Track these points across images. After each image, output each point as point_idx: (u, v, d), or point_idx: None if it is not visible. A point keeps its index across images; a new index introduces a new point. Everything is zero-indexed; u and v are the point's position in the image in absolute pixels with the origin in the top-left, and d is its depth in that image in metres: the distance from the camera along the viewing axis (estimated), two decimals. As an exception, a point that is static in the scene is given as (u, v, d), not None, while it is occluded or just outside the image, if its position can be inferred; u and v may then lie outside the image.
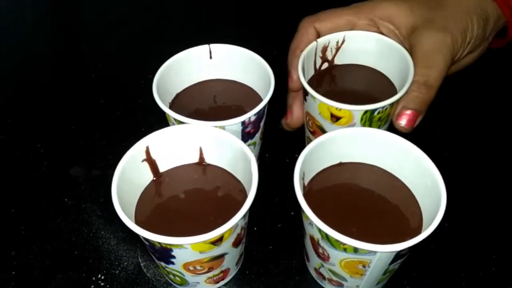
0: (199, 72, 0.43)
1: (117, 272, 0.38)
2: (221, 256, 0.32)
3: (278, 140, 0.46)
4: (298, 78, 0.38)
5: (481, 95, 0.52)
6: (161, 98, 0.37)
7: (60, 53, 0.60)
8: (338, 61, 0.44)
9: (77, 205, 0.42)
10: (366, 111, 0.36)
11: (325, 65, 0.44)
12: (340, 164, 0.36)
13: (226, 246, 0.31)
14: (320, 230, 0.29)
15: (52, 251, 0.39)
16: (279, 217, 0.41)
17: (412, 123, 0.36)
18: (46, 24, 0.64)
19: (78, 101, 0.52)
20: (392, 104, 0.37)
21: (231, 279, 0.37)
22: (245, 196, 0.34)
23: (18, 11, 0.63)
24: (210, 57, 0.42)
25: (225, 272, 0.35)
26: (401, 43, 0.40)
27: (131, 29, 0.60)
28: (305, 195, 0.31)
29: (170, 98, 0.41)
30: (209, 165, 0.37)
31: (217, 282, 0.36)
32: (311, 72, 0.43)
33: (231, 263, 0.35)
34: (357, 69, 0.43)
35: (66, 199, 0.42)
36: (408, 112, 0.36)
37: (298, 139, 0.45)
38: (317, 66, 0.43)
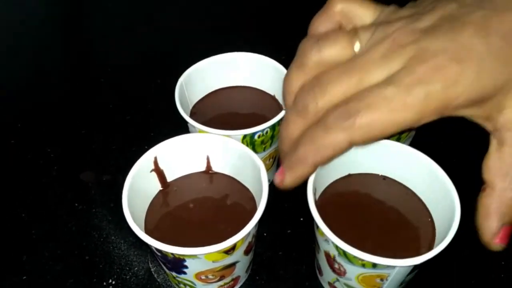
0: (220, 80, 0.43)
1: (127, 277, 0.38)
2: (232, 265, 0.32)
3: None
4: None
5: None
6: (182, 106, 0.37)
7: (69, 58, 0.60)
8: None
9: (87, 210, 0.42)
10: None
11: None
12: (349, 175, 0.36)
13: (238, 255, 0.31)
14: (337, 247, 0.29)
15: (63, 256, 0.39)
16: (289, 222, 0.41)
17: (509, 237, 0.26)
18: (55, 28, 0.64)
19: (88, 106, 0.53)
20: None
21: (241, 286, 0.37)
22: (254, 204, 0.34)
23: (28, 16, 0.64)
24: None
25: (235, 280, 0.35)
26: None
27: (140, 34, 0.60)
28: (317, 210, 0.30)
29: (190, 106, 0.41)
30: (216, 173, 0.37)
31: (228, 290, 0.36)
32: None
33: (241, 271, 0.35)
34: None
35: (76, 204, 0.42)
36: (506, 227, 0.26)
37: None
38: None
